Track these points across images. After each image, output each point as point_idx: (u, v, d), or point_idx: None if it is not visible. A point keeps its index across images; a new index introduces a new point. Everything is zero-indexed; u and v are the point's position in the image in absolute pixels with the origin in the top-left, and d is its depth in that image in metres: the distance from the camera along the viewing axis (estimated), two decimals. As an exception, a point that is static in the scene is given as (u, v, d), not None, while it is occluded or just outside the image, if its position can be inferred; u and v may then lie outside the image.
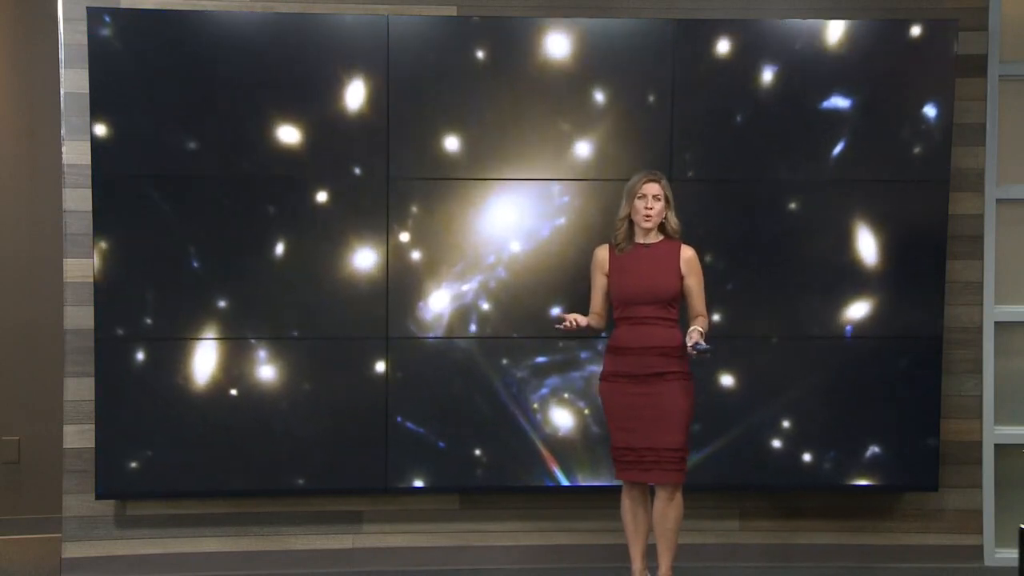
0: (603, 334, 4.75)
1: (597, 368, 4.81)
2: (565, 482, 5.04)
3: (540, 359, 5.03)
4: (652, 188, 4.46)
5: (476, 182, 4.97)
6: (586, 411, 5.03)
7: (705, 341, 4.33)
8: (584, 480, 5.04)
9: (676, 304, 4.48)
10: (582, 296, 4.71)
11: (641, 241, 4.50)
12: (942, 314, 5.09)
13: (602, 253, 4.57)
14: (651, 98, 4.99)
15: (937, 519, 5.30)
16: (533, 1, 5.13)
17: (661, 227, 4.51)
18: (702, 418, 5.01)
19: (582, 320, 4.47)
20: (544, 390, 5.03)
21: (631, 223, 4.52)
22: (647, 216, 4.45)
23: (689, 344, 4.33)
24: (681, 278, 4.47)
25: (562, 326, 4.45)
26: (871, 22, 5.05)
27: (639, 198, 4.47)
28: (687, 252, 4.49)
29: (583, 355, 5.02)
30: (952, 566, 5.26)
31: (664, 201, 4.47)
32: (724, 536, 5.26)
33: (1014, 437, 5.32)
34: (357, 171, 4.93)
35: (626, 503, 4.57)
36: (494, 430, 5.02)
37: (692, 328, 4.38)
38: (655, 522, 4.51)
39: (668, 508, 4.47)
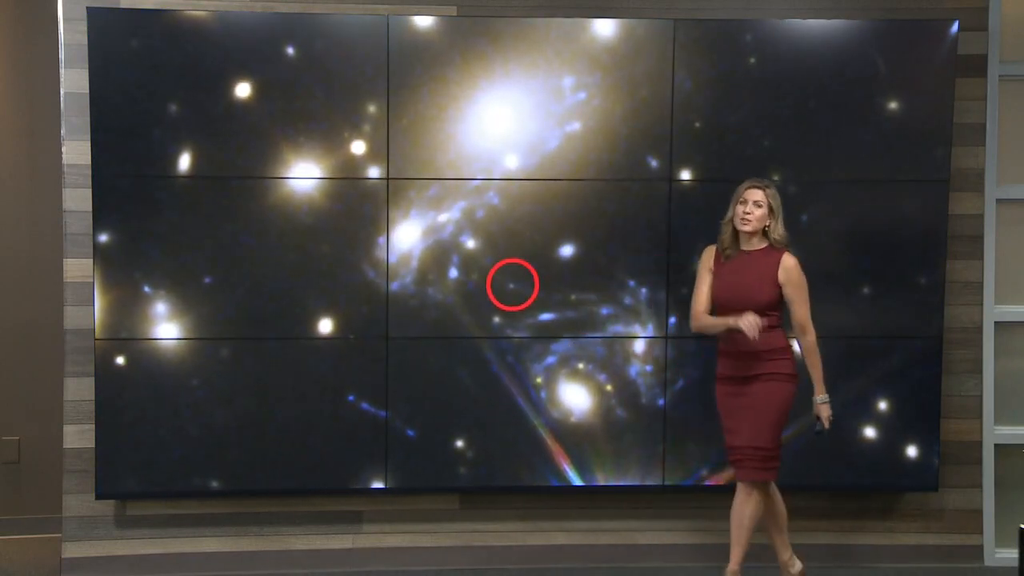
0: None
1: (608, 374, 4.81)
2: (576, 480, 5.04)
3: (550, 360, 5.03)
4: (755, 194, 4.54)
5: (476, 183, 4.97)
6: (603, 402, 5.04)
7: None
8: (601, 476, 5.04)
9: (774, 310, 4.53)
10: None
11: (745, 248, 4.58)
12: (942, 314, 5.09)
13: (709, 252, 4.67)
14: (651, 98, 4.99)
15: (937, 519, 5.30)
16: (533, 1, 5.13)
17: (766, 235, 4.56)
18: (703, 418, 5.02)
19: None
20: (556, 392, 5.04)
21: (735, 228, 4.59)
22: (744, 220, 4.53)
23: (817, 423, 4.58)
24: (779, 287, 4.51)
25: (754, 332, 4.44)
26: (871, 22, 5.06)
27: (740, 203, 4.56)
28: (787, 261, 4.53)
29: (600, 349, 5.04)
30: (952, 566, 5.26)
31: (767, 209, 4.53)
32: (724, 536, 5.24)
33: (1014, 437, 5.33)
34: (357, 171, 4.93)
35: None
36: (496, 430, 5.02)
37: (820, 403, 4.56)
38: (732, 515, 4.58)
39: (744, 504, 4.54)
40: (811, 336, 4.54)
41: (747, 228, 4.54)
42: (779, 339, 4.55)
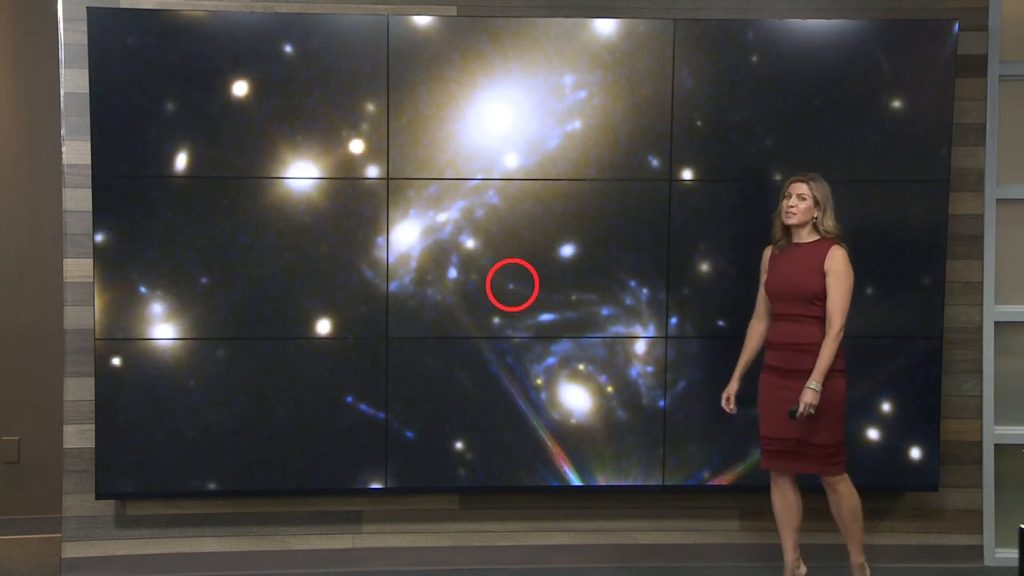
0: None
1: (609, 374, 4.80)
2: (577, 482, 5.04)
3: (550, 360, 5.03)
4: (799, 188, 4.61)
5: (475, 182, 4.97)
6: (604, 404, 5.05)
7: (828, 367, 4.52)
8: (601, 478, 5.04)
9: (820, 301, 4.56)
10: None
11: (795, 240, 4.65)
12: (942, 314, 5.09)
13: (766, 253, 4.76)
14: (651, 98, 4.99)
15: (937, 519, 5.30)
16: (533, 1, 5.13)
17: (816, 228, 4.62)
18: (704, 419, 5.03)
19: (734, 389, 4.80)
20: (556, 393, 5.04)
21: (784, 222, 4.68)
22: (789, 213, 4.61)
23: (794, 404, 4.52)
24: (824, 276, 4.55)
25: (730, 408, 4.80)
26: (871, 22, 5.05)
27: (786, 197, 4.63)
28: (835, 252, 4.57)
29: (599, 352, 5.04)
30: (952, 566, 5.27)
31: (812, 202, 4.59)
32: (724, 536, 5.26)
33: (1014, 437, 5.33)
34: (357, 171, 4.93)
35: (773, 493, 4.72)
36: (496, 432, 5.02)
37: (808, 388, 4.49)
38: (834, 514, 4.68)
39: (835, 499, 4.65)
40: (835, 328, 4.51)
41: (792, 221, 4.61)
42: (821, 333, 4.55)
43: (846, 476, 4.63)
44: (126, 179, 4.86)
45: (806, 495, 4.79)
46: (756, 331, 4.78)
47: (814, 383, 4.48)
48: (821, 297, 4.55)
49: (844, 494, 4.63)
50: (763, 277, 4.75)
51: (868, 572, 4.72)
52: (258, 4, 5.04)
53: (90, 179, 4.87)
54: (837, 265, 4.54)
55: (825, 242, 4.60)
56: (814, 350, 4.53)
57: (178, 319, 4.90)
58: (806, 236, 4.63)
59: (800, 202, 4.60)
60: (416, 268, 4.97)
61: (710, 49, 4.98)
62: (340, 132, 4.92)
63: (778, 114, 5.02)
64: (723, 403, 4.79)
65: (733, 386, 4.78)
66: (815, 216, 4.60)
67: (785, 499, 4.70)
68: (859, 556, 4.70)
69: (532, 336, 5.01)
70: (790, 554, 4.72)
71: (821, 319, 4.56)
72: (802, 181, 4.62)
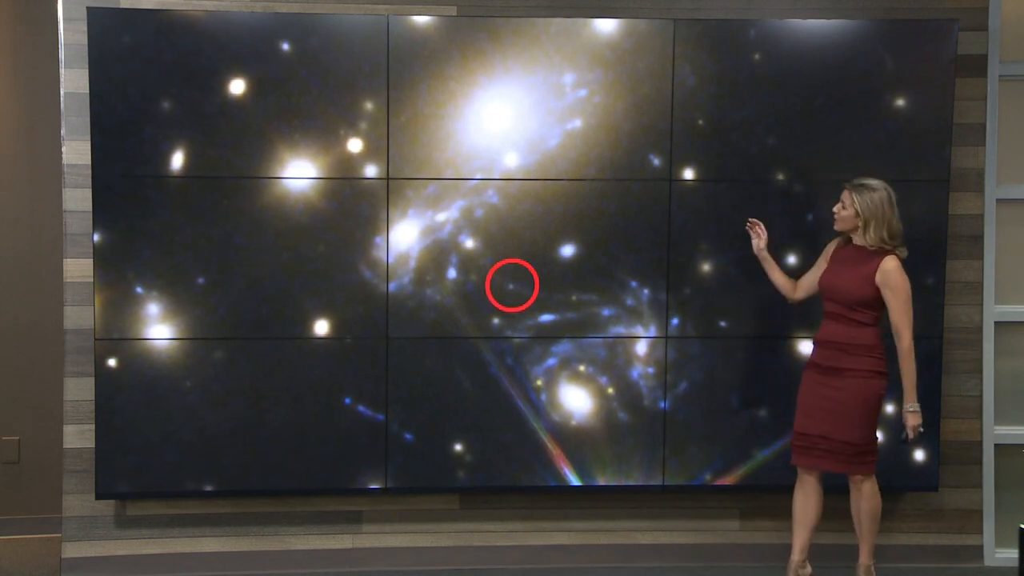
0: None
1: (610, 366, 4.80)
2: (575, 481, 5.04)
3: (550, 361, 5.03)
4: (843, 194, 4.62)
5: (475, 182, 4.97)
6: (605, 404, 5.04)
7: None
8: (602, 480, 5.04)
9: (867, 308, 4.56)
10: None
11: (856, 242, 4.64)
12: (942, 314, 5.10)
13: (832, 245, 4.74)
14: (651, 98, 4.98)
15: (937, 519, 5.30)
16: (533, 1, 5.13)
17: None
18: (705, 419, 5.03)
19: (763, 242, 4.78)
20: (557, 393, 5.04)
21: None
22: (834, 219, 4.64)
23: (903, 431, 4.61)
24: (875, 287, 4.54)
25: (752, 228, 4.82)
26: (871, 22, 5.05)
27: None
28: (888, 263, 4.53)
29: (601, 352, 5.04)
30: (952, 566, 5.27)
31: (852, 212, 4.57)
32: (724, 536, 5.26)
33: (1014, 437, 5.33)
34: (356, 170, 4.93)
35: (796, 490, 4.74)
36: (496, 433, 5.02)
37: (908, 411, 4.55)
38: (853, 513, 4.71)
39: (857, 499, 4.69)
40: (905, 342, 4.52)
41: (835, 227, 4.65)
42: (867, 336, 4.57)
43: (873, 477, 4.65)
44: (126, 179, 4.86)
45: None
46: (790, 281, 4.80)
47: (910, 405, 4.54)
48: (866, 304, 4.55)
49: (867, 494, 4.65)
50: (820, 264, 4.74)
51: (874, 575, 4.72)
52: (258, 4, 5.03)
53: (90, 179, 4.86)
54: (891, 279, 4.51)
55: (878, 251, 4.57)
56: (855, 351, 4.55)
57: (178, 319, 4.90)
58: (860, 240, 4.62)
59: (840, 210, 4.62)
60: (415, 268, 4.97)
61: (711, 48, 4.98)
62: (339, 131, 4.92)
63: (779, 114, 5.02)
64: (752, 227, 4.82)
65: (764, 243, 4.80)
66: (858, 226, 4.58)
67: (806, 498, 4.71)
68: (868, 558, 4.71)
69: (532, 337, 5.01)
70: (797, 554, 4.71)
71: (865, 323, 4.57)
72: (847, 189, 4.61)
